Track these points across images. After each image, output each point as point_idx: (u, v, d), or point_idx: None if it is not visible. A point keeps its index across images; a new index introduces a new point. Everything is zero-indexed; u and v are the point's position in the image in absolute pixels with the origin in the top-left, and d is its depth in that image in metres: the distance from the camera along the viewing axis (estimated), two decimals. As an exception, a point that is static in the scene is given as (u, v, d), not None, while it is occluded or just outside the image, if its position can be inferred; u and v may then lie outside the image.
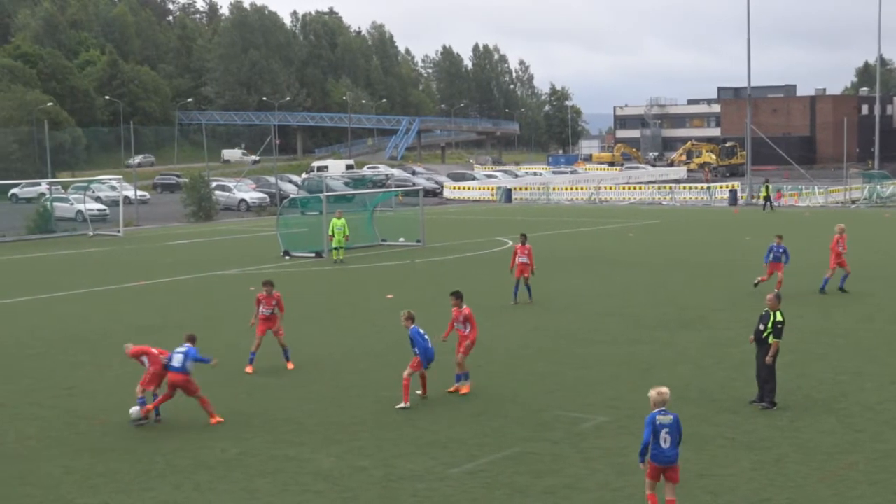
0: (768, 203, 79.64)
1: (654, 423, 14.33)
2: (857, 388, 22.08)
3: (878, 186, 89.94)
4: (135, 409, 20.13)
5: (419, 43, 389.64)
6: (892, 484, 16.07)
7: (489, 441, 18.58)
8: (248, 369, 24.63)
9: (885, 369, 23.69)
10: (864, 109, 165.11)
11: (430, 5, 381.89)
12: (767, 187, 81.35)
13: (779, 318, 20.57)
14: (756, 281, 35.37)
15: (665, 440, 14.36)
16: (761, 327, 20.64)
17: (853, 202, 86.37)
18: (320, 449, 18.29)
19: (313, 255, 49.24)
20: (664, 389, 14.56)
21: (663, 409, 14.43)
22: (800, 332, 28.43)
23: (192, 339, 20.64)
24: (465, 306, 22.68)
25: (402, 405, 20.89)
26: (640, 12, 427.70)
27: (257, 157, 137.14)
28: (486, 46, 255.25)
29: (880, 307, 32.29)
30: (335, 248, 47.06)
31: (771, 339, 20.51)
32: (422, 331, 21.33)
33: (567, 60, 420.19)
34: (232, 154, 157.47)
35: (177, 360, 20.15)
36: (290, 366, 24.97)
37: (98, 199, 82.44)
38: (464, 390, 22.13)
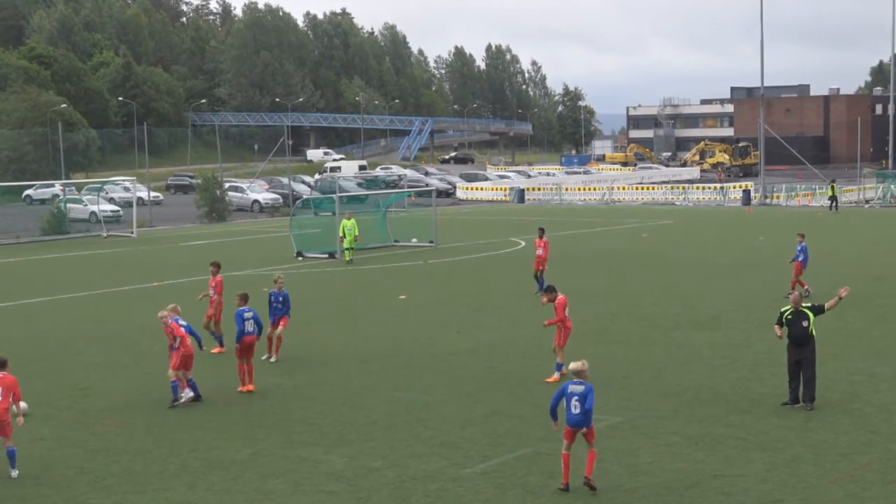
0: (834, 203, 78.39)
1: (565, 391, 16.01)
2: (872, 388, 22.04)
3: (892, 186, 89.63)
4: (186, 394, 20.99)
5: (431, 44, 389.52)
6: (907, 484, 16.05)
7: (502, 441, 18.59)
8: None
9: (898, 370, 23.65)
10: (878, 109, 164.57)
11: (442, 6, 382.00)
12: (833, 187, 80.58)
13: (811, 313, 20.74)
14: (806, 291, 33.69)
15: (575, 406, 15.86)
16: (804, 324, 20.59)
17: (867, 202, 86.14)
18: (333, 449, 18.32)
19: (326, 255, 49.29)
20: (584, 363, 16.13)
21: (578, 380, 15.94)
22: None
23: (245, 299, 22.68)
24: (559, 295, 23.22)
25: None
26: (650, 12, 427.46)
27: (338, 157, 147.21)
28: (498, 47, 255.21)
29: (895, 307, 32.19)
30: (346, 249, 47.12)
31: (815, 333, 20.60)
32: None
33: (577, 61, 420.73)
34: (314, 154, 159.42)
35: (249, 326, 22.60)
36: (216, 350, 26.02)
37: (111, 201, 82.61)
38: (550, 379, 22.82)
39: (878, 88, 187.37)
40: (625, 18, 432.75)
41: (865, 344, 26.73)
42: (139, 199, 77.70)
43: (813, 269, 41.91)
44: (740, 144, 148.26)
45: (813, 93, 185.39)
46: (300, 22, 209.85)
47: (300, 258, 49.31)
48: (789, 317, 20.73)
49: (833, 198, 78.95)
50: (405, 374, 24.14)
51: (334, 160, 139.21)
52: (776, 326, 21.13)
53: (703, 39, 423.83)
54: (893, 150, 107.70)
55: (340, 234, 47.42)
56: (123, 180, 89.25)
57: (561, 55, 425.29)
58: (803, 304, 20.86)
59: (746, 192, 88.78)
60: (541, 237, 36.16)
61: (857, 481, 16.23)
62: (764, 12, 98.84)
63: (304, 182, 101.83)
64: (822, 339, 27.40)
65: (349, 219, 47.47)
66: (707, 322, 30.32)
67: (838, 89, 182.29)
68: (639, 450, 17.91)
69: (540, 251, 35.95)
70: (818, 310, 20.86)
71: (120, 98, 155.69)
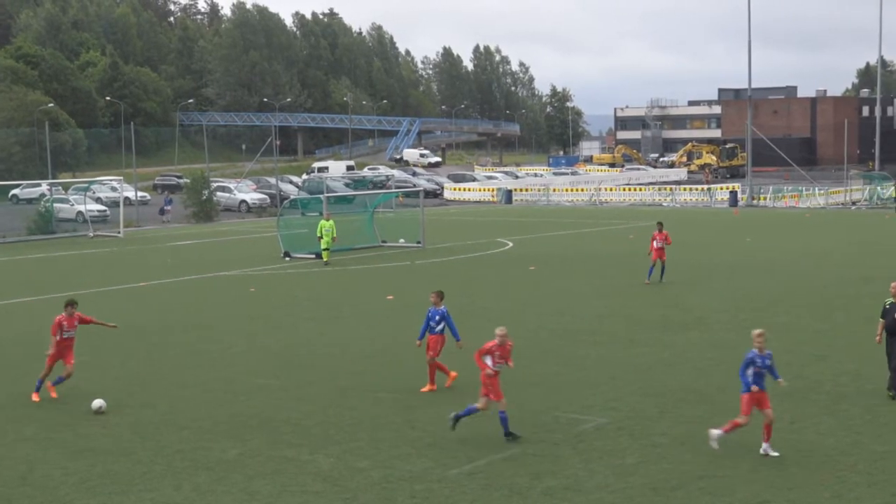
0: None
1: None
2: (857, 390, 22.08)
3: (879, 188, 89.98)
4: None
5: (419, 44, 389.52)
6: (891, 485, 16.08)
7: (488, 442, 18.57)
8: (35, 397, 22.26)
9: (885, 371, 23.65)
10: (865, 111, 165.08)
11: (429, 7, 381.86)
12: None
13: None
14: None
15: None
16: None
17: (853, 203, 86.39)
18: (319, 450, 18.29)
19: (314, 256, 49.25)
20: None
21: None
22: (800, 333, 28.48)
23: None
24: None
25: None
26: (625, 15, 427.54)
27: (434, 158, 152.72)
28: (486, 48, 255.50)
29: (881, 308, 32.20)
30: (324, 250, 47.03)
31: None
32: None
33: (557, 64, 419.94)
34: (410, 154, 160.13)
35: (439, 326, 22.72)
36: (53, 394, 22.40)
37: (98, 200, 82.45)
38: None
39: (865, 90, 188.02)
40: (600, 21, 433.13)
41: (852, 345, 26.77)
42: (126, 198, 77.53)
43: (803, 270, 42.07)
44: (727, 146, 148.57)
45: (800, 94, 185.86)
46: (288, 22, 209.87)
47: (287, 258, 49.25)
48: (887, 306, 21.53)
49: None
50: (391, 375, 24.12)
51: (431, 164, 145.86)
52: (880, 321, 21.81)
53: (681, 42, 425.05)
54: (880, 152, 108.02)
55: (319, 235, 47.30)
56: (110, 180, 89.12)
57: (540, 58, 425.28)
58: None
59: (733, 194, 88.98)
60: (660, 231, 39.14)
61: (843, 482, 16.26)
62: (750, 14, 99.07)
63: (291, 182, 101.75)
64: (808, 339, 27.53)
65: (328, 220, 47.45)
66: (693, 323, 30.36)
67: (825, 91, 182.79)
68: (625, 451, 17.92)
69: (660, 244, 38.76)
70: None
71: (107, 98, 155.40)
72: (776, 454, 17.46)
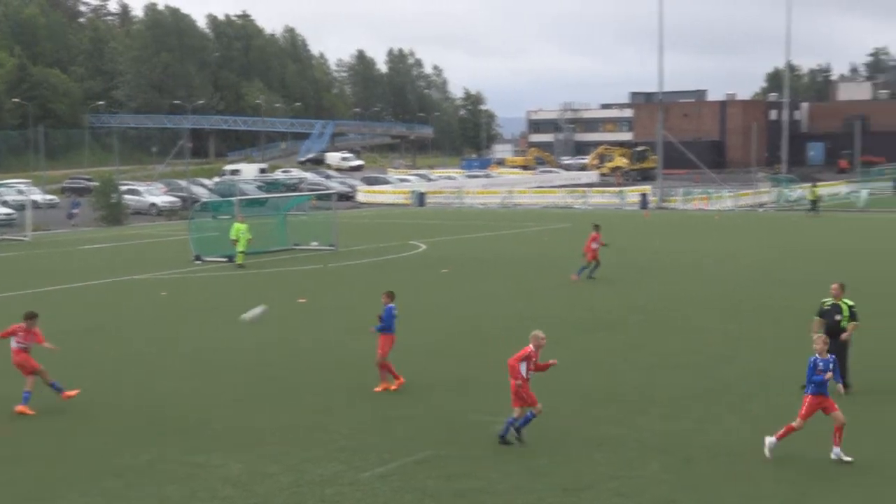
0: (814, 206, 77.59)
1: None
2: (764, 389, 22.39)
3: (786, 190, 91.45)
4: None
5: (333, 47, 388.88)
6: (798, 483, 16.33)
7: (401, 445, 18.55)
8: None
9: (791, 371, 24.05)
10: (774, 114, 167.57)
11: (343, 10, 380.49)
12: (814, 190, 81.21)
13: (850, 303, 21.83)
14: None
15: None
16: (837, 318, 21.62)
17: (761, 206, 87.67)
18: (230, 455, 18.13)
19: (226, 259, 48.81)
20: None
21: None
22: (709, 334, 28.83)
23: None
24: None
25: None
26: (533, 18, 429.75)
27: (357, 161, 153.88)
28: (400, 50, 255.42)
29: (788, 308, 32.74)
30: (240, 253, 46.70)
31: (848, 323, 21.62)
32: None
33: (476, 66, 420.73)
34: (332, 157, 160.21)
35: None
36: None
37: (5, 204, 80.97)
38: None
39: (774, 94, 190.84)
40: (512, 24, 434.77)
41: (760, 346, 27.14)
42: (34, 202, 76.26)
43: (713, 272, 42.60)
44: (638, 149, 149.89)
45: (710, 98, 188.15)
46: (202, 24, 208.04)
47: (198, 262, 48.79)
48: (827, 307, 21.83)
49: (814, 201, 78.24)
50: (304, 378, 24.00)
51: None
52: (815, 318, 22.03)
53: (592, 45, 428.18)
54: (788, 154, 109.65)
55: (233, 238, 46.93)
56: (17, 183, 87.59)
57: (454, 60, 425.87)
58: (847, 300, 21.91)
59: (644, 196, 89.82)
60: (597, 232, 40.80)
61: (749, 480, 16.48)
62: (656, 19, 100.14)
63: (202, 185, 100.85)
64: (716, 341, 27.88)
65: (242, 222, 47.13)
66: (607, 324, 30.60)
67: (735, 95, 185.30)
68: (537, 451, 17.98)
69: (595, 244, 40.44)
70: (854, 314, 21.87)
71: (15, 99, 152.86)
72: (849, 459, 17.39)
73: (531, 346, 18.58)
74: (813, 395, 17.42)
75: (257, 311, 19.97)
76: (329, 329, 30.54)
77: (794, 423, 17.49)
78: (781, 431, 17.56)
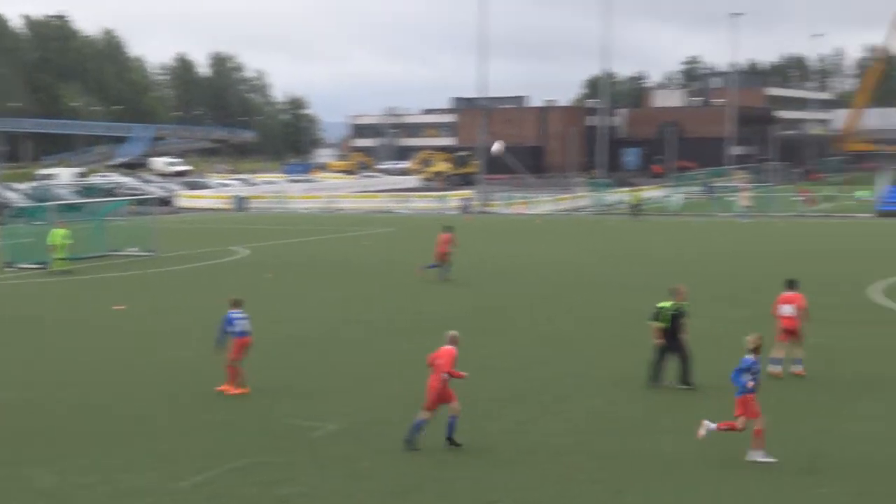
0: (635, 210, 79.22)
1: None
2: (579, 391, 22.81)
3: (603, 194, 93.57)
4: None
5: (153, 49, 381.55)
6: (613, 482, 16.67)
7: (221, 452, 18.32)
8: None
9: (606, 373, 24.59)
10: (592, 120, 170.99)
11: (163, 11, 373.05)
12: (636, 195, 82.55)
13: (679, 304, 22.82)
14: None
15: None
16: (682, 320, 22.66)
17: (578, 210, 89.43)
18: (45, 466, 17.64)
19: (39, 266, 47.46)
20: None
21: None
22: (526, 336, 29.24)
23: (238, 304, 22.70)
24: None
25: None
26: (350, 22, 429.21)
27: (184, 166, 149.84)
28: (221, 54, 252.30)
29: (607, 310, 33.42)
30: (62, 259, 45.52)
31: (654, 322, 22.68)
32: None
33: (299, 70, 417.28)
34: (157, 163, 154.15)
35: (244, 326, 22.50)
36: None
37: None
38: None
39: (591, 100, 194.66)
40: (332, 28, 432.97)
41: (575, 348, 27.65)
42: None
43: (533, 275, 43.22)
44: (460, 153, 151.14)
45: (531, 104, 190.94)
46: (16, 24, 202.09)
47: (10, 269, 47.34)
48: (673, 313, 22.52)
49: (635, 206, 79.76)
50: (121, 387, 23.51)
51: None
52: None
53: (411, 51, 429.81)
54: (608, 159, 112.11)
55: (52, 244, 45.67)
56: None
57: (277, 64, 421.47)
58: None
59: (466, 201, 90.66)
60: (447, 234, 42.14)
61: (568, 481, 16.75)
62: (475, 25, 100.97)
63: (15, 190, 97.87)
64: (535, 343, 28.28)
65: (61, 228, 45.94)
66: (431, 329, 30.68)
67: (555, 101, 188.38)
68: (359, 456, 17.97)
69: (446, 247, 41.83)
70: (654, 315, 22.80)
71: None
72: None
73: (454, 347, 18.82)
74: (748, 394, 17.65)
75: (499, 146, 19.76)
76: (145, 336, 29.99)
77: (757, 425, 17.56)
78: (754, 441, 17.59)
